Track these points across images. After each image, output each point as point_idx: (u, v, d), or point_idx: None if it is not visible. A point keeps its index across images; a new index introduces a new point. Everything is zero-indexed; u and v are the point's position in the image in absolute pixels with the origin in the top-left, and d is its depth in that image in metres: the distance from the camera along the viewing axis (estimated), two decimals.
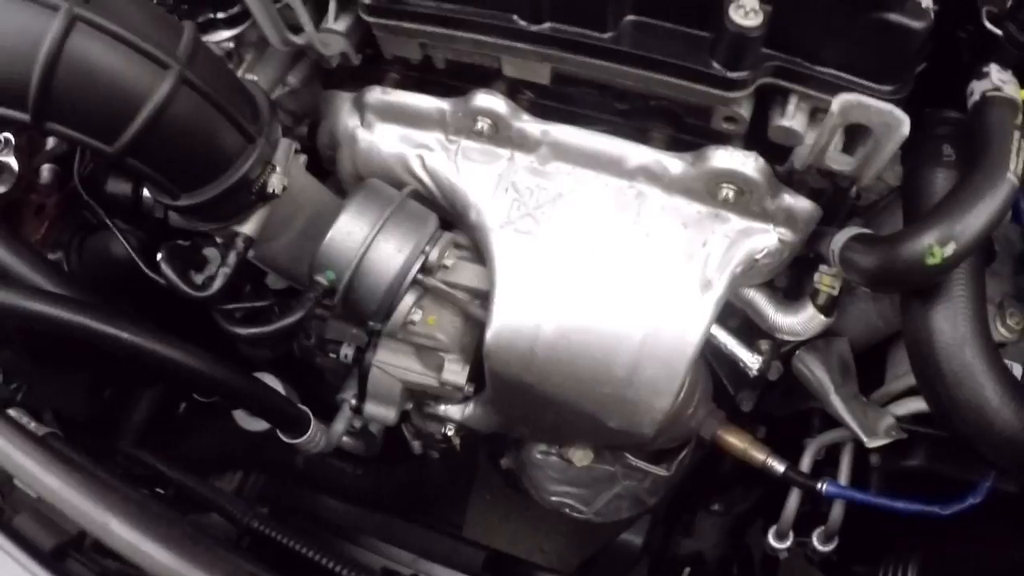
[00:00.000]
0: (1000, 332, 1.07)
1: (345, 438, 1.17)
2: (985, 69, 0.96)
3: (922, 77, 0.99)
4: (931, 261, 0.90)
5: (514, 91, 1.04)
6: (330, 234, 0.97)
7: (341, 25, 1.01)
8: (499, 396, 1.05)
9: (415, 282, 0.99)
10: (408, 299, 1.00)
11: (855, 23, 0.89)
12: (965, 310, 0.96)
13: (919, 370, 0.99)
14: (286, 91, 1.05)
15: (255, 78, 1.04)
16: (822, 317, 1.05)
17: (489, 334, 0.98)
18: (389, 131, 1.05)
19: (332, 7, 1.01)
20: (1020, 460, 0.98)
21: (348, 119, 1.07)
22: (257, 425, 1.13)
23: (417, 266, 0.98)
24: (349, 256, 0.97)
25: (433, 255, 1.00)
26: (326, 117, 1.09)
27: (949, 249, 0.90)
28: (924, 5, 0.90)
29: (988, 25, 0.97)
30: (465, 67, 1.04)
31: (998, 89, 0.95)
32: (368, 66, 1.08)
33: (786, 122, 0.94)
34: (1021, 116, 0.94)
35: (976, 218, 0.90)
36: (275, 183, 0.94)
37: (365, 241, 0.96)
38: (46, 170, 1.19)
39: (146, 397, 1.20)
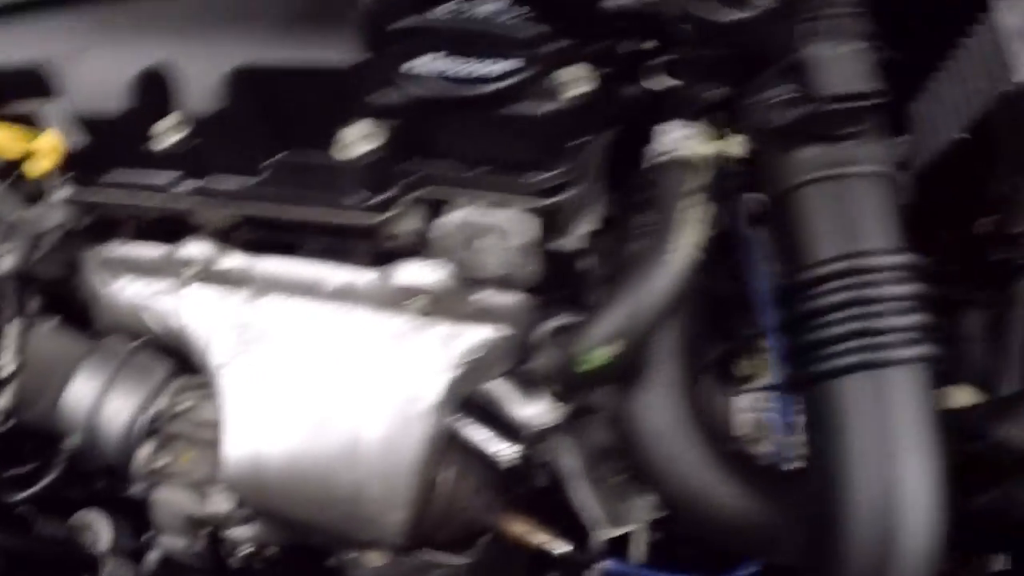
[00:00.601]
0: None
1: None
2: (656, 130, 0.89)
3: (622, 144, 0.94)
4: (597, 364, 0.86)
5: (231, 230, 1.06)
6: (62, 399, 1.05)
7: (55, 199, 1.07)
8: (262, 520, 1.10)
9: (154, 430, 1.05)
10: (147, 448, 1.06)
11: (482, 123, 0.85)
12: (666, 398, 0.90)
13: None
14: (40, 256, 1.13)
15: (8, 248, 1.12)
16: (560, 404, 1.01)
17: (222, 469, 1.02)
18: (125, 284, 1.11)
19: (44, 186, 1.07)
20: (755, 548, 0.91)
21: (93, 275, 1.13)
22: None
23: (147, 416, 1.05)
24: (81, 418, 1.04)
25: (163, 403, 1.05)
26: (79, 274, 1.16)
27: (620, 345, 0.85)
28: (562, 80, 0.85)
29: (647, 85, 0.90)
30: None
31: (668, 152, 0.88)
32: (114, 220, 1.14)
33: (436, 232, 0.91)
34: (702, 175, 0.87)
35: (644, 305, 0.85)
36: (3, 367, 1.04)
37: (93, 402, 1.03)
38: None
39: None
